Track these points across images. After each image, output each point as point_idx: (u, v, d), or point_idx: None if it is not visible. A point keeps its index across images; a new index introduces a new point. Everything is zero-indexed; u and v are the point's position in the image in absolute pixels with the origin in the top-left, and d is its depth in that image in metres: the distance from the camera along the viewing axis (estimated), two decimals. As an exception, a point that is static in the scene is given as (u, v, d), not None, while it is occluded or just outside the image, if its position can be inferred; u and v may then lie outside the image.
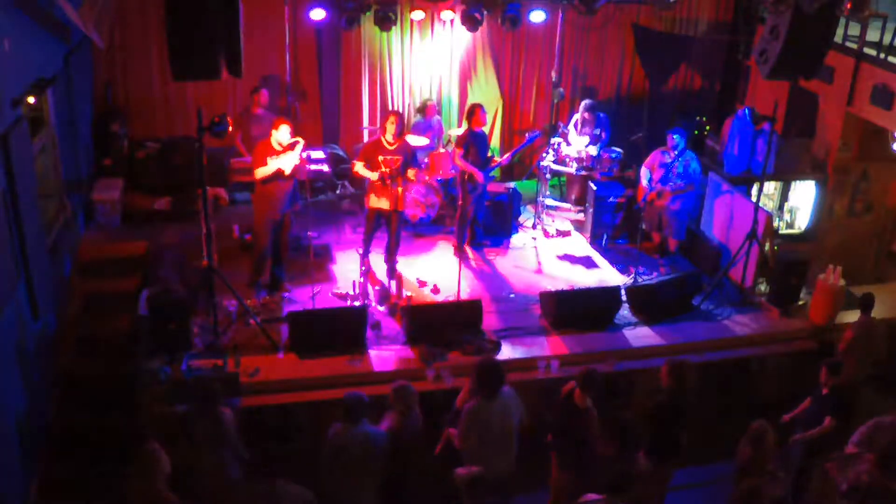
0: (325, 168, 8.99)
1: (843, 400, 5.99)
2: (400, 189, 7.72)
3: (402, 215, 8.21)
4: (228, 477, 5.33)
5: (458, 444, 5.39)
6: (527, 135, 9.42)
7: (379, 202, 7.89)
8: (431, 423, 5.73)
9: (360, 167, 7.85)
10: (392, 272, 8.15)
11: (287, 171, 7.42)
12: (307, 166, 8.04)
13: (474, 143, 8.52)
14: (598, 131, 9.93)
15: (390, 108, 10.58)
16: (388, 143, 7.73)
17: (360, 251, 7.99)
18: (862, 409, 6.77)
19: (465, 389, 5.64)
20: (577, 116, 10.13)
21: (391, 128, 7.68)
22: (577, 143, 9.86)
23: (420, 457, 5.54)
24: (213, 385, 5.48)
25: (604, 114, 10.07)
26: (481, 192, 8.79)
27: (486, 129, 9.08)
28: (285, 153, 7.39)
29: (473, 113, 8.53)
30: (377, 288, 8.06)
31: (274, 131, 7.40)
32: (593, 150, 9.68)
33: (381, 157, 7.71)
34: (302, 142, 7.50)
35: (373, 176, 7.72)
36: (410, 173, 7.82)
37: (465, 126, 8.69)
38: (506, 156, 9.25)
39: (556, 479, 5.79)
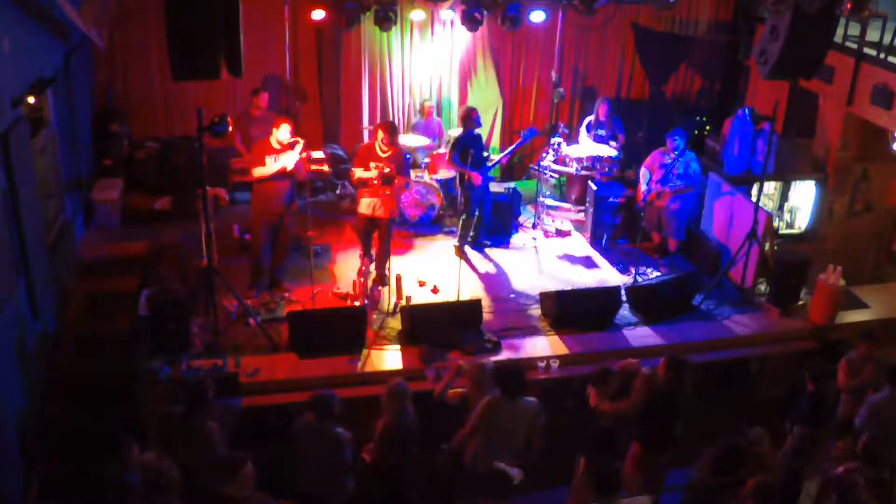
0: (325, 168, 9.02)
1: (817, 407, 5.94)
2: (388, 194, 7.65)
3: (393, 223, 8.09)
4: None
5: (445, 395, 5.54)
6: (522, 133, 9.40)
7: (369, 209, 7.79)
8: (430, 423, 5.72)
9: (359, 172, 7.72)
10: (382, 279, 8.05)
11: (289, 168, 7.43)
12: (309, 166, 8.03)
13: (469, 144, 8.48)
14: (613, 132, 9.99)
15: (390, 108, 10.60)
16: (382, 150, 7.68)
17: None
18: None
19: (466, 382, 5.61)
20: (589, 118, 10.14)
21: (381, 135, 7.64)
22: (590, 145, 9.89)
23: (416, 453, 5.53)
24: (204, 384, 5.27)
25: (615, 114, 10.12)
26: (482, 193, 8.77)
27: (484, 131, 9.06)
28: (284, 152, 7.42)
29: (469, 116, 8.57)
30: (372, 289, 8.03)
31: (275, 129, 7.43)
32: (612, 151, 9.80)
33: (372, 164, 7.67)
34: (302, 142, 7.51)
35: (372, 174, 7.61)
36: (399, 182, 7.75)
37: (461, 128, 8.71)
38: (501, 154, 9.23)
39: (580, 482, 5.76)
